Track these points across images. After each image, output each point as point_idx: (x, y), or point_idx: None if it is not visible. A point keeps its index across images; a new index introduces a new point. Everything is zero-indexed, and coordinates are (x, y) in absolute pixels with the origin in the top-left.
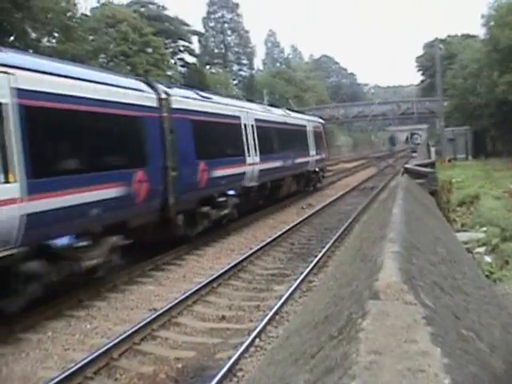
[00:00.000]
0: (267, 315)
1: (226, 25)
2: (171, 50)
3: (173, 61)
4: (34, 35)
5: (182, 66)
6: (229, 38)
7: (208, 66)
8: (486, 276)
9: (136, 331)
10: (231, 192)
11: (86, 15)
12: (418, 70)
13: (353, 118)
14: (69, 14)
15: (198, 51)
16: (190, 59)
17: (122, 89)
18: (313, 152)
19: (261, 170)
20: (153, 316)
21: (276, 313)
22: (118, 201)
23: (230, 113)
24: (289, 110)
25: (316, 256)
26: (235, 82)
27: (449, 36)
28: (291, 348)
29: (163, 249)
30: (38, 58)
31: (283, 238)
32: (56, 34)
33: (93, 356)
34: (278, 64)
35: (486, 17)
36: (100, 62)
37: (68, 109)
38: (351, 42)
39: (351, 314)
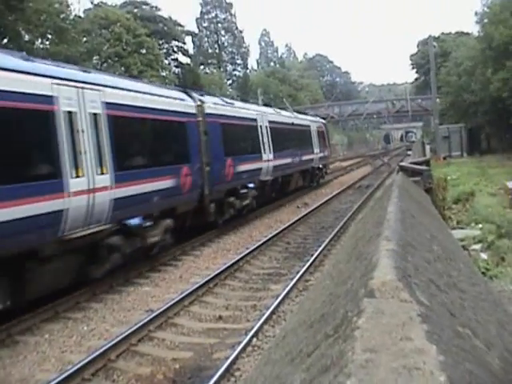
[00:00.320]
0: (264, 315)
1: (219, 25)
2: (165, 50)
3: (167, 61)
4: (27, 37)
5: (176, 67)
6: (223, 38)
7: (202, 66)
8: (482, 273)
9: (133, 332)
10: (251, 185)
11: (80, 17)
12: (412, 68)
13: (347, 117)
14: (62, 15)
15: (191, 51)
16: (184, 59)
17: (172, 99)
18: (317, 150)
19: (274, 166)
20: (150, 317)
21: (273, 312)
22: (170, 190)
23: (248, 116)
24: (296, 112)
25: (312, 255)
26: (229, 81)
27: (443, 33)
28: (288, 347)
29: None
30: (111, 75)
31: (279, 237)
32: (49, 36)
33: (90, 358)
34: (272, 63)
35: (479, 14)
36: (94, 63)
37: (136, 117)
38: (345, 40)
39: (347, 313)
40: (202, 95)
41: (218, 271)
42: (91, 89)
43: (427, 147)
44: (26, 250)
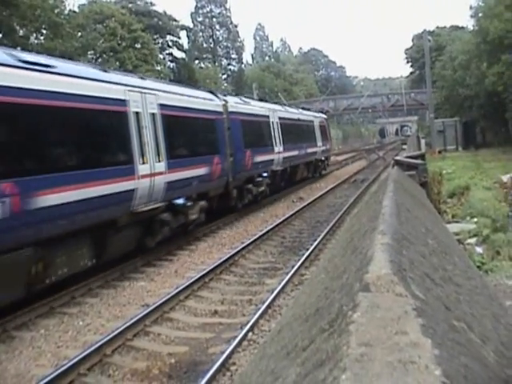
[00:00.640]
0: (259, 309)
1: (214, 19)
2: (160, 45)
3: (161, 56)
4: (21, 32)
5: (171, 61)
6: (217, 33)
7: (197, 61)
8: (478, 267)
9: (128, 327)
10: (265, 174)
11: (74, 11)
12: (407, 62)
13: (342, 111)
14: (57, 10)
15: (186, 46)
16: (179, 54)
17: (204, 100)
18: (319, 143)
19: (284, 158)
20: (145, 312)
21: (268, 306)
22: (205, 177)
23: (262, 113)
24: (302, 108)
25: (307, 249)
26: (224, 76)
27: (437, 28)
28: (283, 341)
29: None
30: (161, 81)
31: (274, 231)
32: (44, 31)
33: (86, 353)
34: (266, 58)
35: (474, 8)
36: (89, 58)
37: (180, 115)
38: (340, 34)
39: (342, 307)
40: (225, 95)
41: (214, 266)
42: (150, 93)
43: (422, 141)
44: (109, 220)
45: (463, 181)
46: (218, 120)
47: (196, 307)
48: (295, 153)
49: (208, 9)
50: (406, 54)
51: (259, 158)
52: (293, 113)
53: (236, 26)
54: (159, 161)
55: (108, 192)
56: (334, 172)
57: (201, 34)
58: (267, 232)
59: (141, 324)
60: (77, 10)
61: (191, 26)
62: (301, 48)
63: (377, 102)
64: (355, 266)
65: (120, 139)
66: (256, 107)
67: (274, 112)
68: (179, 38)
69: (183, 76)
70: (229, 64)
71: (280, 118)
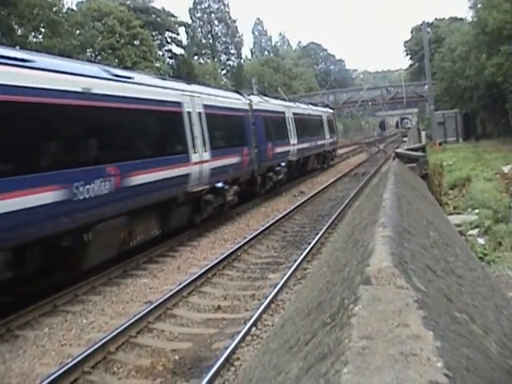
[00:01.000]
0: (262, 304)
1: (212, 15)
2: (158, 41)
3: (160, 52)
4: (20, 31)
5: (170, 58)
6: (216, 28)
7: (196, 57)
8: (480, 258)
9: (132, 324)
10: (282, 164)
11: (73, 9)
12: (407, 55)
13: (342, 105)
14: (55, 8)
15: (185, 42)
16: (178, 50)
17: (234, 99)
18: (327, 136)
19: (298, 149)
20: (148, 308)
21: (271, 301)
22: (237, 165)
23: (279, 109)
24: (312, 104)
25: (309, 243)
26: (223, 71)
27: (436, 19)
28: (285, 336)
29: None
30: (203, 85)
31: (276, 226)
32: (42, 30)
33: (90, 351)
34: (265, 52)
35: None
36: (87, 55)
37: (218, 113)
38: (339, 28)
39: (343, 300)
40: (249, 95)
41: (216, 261)
42: (196, 96)
43: (423, 133)
44: (171, 197)
45: (464, 172)
46: (245, 117)
47: (199, 303)
48: (307, 145)
49: (206, 4)
50: (405, 46)
51: (278, 150)
52: (304, 109)
53: (235, 22)
54: (205, 151)
55: (172, 175)
56: (335, 165)
57: (199, 29)
58: (269, 227)
59: (144, 321)
60: (75, 7)
61: (190, 21)
62: (300, 42)
63: (376, 95)
64: (356, 259)
65: (179, 133)
66: (274, 105)
67: (289, 108)
68: (178, 34)
69: (182, 72)
70: (228, 59)
71: (294, 114)
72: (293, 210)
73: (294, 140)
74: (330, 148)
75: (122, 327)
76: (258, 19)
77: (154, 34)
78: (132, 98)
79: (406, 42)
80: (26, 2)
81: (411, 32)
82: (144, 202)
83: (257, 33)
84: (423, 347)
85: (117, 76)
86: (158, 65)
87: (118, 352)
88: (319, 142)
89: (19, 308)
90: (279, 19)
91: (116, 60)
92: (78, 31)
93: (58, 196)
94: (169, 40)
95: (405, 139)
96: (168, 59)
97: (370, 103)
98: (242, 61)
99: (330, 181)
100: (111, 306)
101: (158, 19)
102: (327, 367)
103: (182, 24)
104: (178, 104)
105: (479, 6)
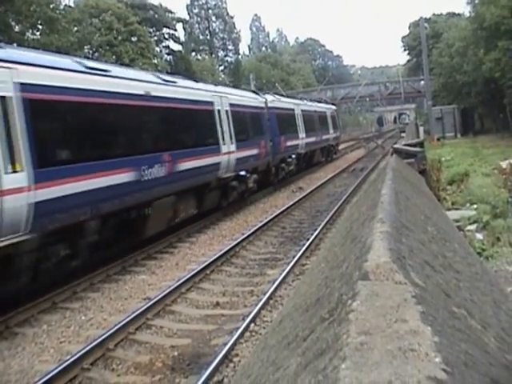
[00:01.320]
0: (261, 300)
1: (210, 11)
2: (156, 38)
3: (158, 49)
4: (17, 28)
5: (168, 54)
6: (214, 24)
7: (193, 53)
8: (478, 253)
9: (131, 321)
10: (293, 156)
11: (70, 6)
12: (404, 50)
13: (340, 100)
14: (52, 5)
15: (183, 38)
16: (176, 47)
17: (252, 98)
18: (331, 131)
19: (306, 143)
20: (147, 305)
21: (270, 297)
22: (256, 156)
23: (290, 106)
24: (317, 101)
25: (308, 239)
26: (221, 67)
27: (434, 15)
28: (284, 332)
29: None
30: (227, 86)
31: (274, 222)
32: (40, 27)
33: (89, 347)
34: (263, 48)
35: None
36: (85, 52)
37: (241, 111)
38: (336, 23)
39: (341, 296)
40: (264, 94)
41: (215, 257)
42: (224, 96)
43: (421, 129)
44: (206, 182)
45: (462, 168)
46: (261, 113)
47: (198, 299)
48: (313, 139)
49: (204, 0)
50: (402, 41)
51: (289, 143)
52: (311, 105)
53: (232, 18)
54: (232, 143)
55: (207, 163)
56: (333, 161)
57: (197, 25)
58: (267, 222)
59: (143, 317)
60: (72, 4)
61: (187, 18)
62: (297, 38)
63: (374, 91)
64: (355, 255)
65: (212, 128)
66: (285, 102)
67: (298, 106)
68: (175, 30)
69: (180, 68)
70: (226, 55)
71: (302, 111)
72: (291, 205)
73: (302, 134)
74: (333, 142)
75: (121, 324)
76: (256, 15)
77: (151, 30)
78: (179, 99)
79: (403, 37)
80: None
81: (409, 27)
82: (187, 185)
83: (254, 29)
84: (421, 342)
85: (166, 81)
86: (155, 61)
87: (117, 349)
88: (324, 137)
89: (17, 305)
90: (277, 15)
91: (113, 57)
92: (75, 28)
93: (132, 176)
94: (166, 36)
95: (403, 135)
96: (166, 55)
97: (367, 99)
98: (240, 57)
99: (328, 176)
100: (110, 303)
101: (156, 15)
102: (325, 363)
103: (179, 20)
104: (211, 103)
105: (477, 1)
